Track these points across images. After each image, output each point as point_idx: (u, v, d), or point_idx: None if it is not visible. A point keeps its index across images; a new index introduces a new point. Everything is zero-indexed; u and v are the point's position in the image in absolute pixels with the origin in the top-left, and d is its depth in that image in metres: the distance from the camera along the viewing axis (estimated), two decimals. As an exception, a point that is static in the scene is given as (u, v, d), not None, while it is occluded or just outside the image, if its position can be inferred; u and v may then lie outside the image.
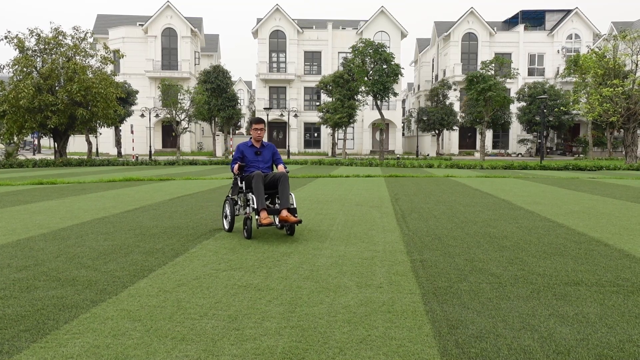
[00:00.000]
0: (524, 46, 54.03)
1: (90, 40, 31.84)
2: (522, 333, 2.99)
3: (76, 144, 53.87)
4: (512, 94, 48.34)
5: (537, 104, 43.62)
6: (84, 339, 2.89)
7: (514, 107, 47.27)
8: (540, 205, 9.29)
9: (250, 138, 6.39)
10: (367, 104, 44.03)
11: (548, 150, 50.59)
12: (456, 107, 50.19)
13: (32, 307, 3.41)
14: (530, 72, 54.45)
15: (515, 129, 52.02)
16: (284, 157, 38.40)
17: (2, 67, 28.92)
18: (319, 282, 4.11)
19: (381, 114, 37.31)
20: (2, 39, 28.85)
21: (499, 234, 6.22)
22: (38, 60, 29.56)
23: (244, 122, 77.44)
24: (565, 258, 4.94)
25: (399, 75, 36.67)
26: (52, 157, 33.44)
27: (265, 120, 6.14)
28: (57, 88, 29.37)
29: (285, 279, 4.18)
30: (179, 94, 40.54)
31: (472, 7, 52.87)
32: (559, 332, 3.01)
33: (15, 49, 29.20)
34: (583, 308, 3.45)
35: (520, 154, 51.70)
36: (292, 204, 5.90)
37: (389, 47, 42.33)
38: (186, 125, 41.11)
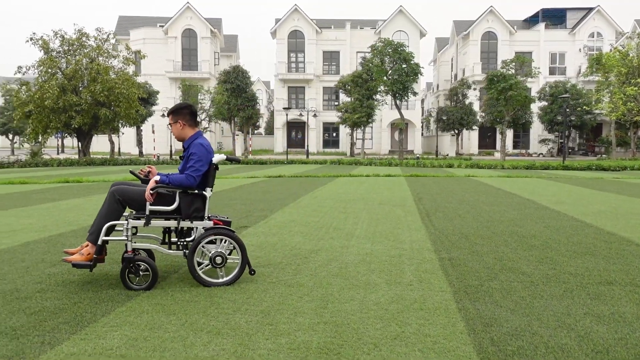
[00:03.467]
0: (544, 45, 53.36)
1: (113, 41, 32.26)
2: (558, 332, 2.96)
3: (99, 144, 54.58)
4: (533, 93, 47.73)
5: (558, 103, 43.05)
6: (122, 331, 2.94)
7: (535, 107, 46.68)
8: (566, 205, 9.17)
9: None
10: (386, 103, 43.87)
11: (570, 151, 49.88)
12: (476, 106, 49.75)
13: (70, 301, 3.48)
14: (552, 71, 53.74)
15: (537, 129, 51.40)
16: (300, 157, 38.05)
17: (27, 68, 29.44)
18: (349, 279, 4.12)
19: (400, 113, 37.15)
20: (28, 41, 29.39)
21: (526, 233, 6.16)
22: (62, 61, 30.03)
23: (262, 122, 77.78)
24: (596, 257, 4.88)
25: (419, 75, 36.48)
26: (76, 156, 33.95)
27: (185, 107, 4.20)
28: (80, 88, 29.80)
29: (314, 276, 4.20)
30: (199, 94, 40.85)
31: (491, 6, 52.37)
32: (595, 331, 2.97)
33: (40, 51, 29.72)
34: (619, 307, 3.40)
35: (542, 154, 51.09)
36: (97, 238, 3.81)
37: (407, 46, 42.15)
38: (206, 125, 41.40)
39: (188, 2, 51.77)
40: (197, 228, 3.97)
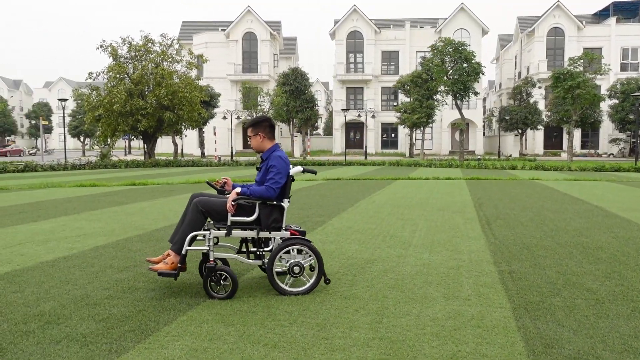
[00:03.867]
0: (616, 40, 50.79)
1: (176, 46, 33.37)
2: (624, 356, 2.83)
3: (163, 145, 56.63)
4: (603, 90, 45.54)
5: (631, 101, 40.88)
6: (183, 341, 3.05)
7: (605, 105, 44.55)
8: (638, 212, 8.70)
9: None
10: (446, 103, 43.07)
11: (643, 151, 47.20)
12: (541, 105, 48.00)
13: (135, 308, 3.64)
14: (623, 67, 51.10)
15: (607, 128, 49.02)
16: (359, 158, 38.07)
17: (97, 74, 30.96)
18: (405, 292, 4.09)
19: (461, 113, 36.37)
20: (98, 48, 30.91)
21: (593, 245, 5.90)
22: (129, 66, 31.37)
23: (321, 123, 78.21)
24: (669, 273, 4.61)
25: (480, 74, 35.60)
26: (142, 157, 35.36)
27: (266, 121, 4.31)
28: (146, 93, 31.04)
29: (370, 288, 4.19)
30: (259, 96, 41.59)
31: (558, 1, 50.36)
32: (666, 357, 2.82)
33: (109, 57, 31.17)
34: (693, 331, 3.21)
35: (612, 154, 48.65)
36: (181, 248, 3.97)
37: (469, 44, 41.15)
38: (265, 127, 41.98)
39: (249, 6, 52.81)
40: (274, 238, 4.09)
